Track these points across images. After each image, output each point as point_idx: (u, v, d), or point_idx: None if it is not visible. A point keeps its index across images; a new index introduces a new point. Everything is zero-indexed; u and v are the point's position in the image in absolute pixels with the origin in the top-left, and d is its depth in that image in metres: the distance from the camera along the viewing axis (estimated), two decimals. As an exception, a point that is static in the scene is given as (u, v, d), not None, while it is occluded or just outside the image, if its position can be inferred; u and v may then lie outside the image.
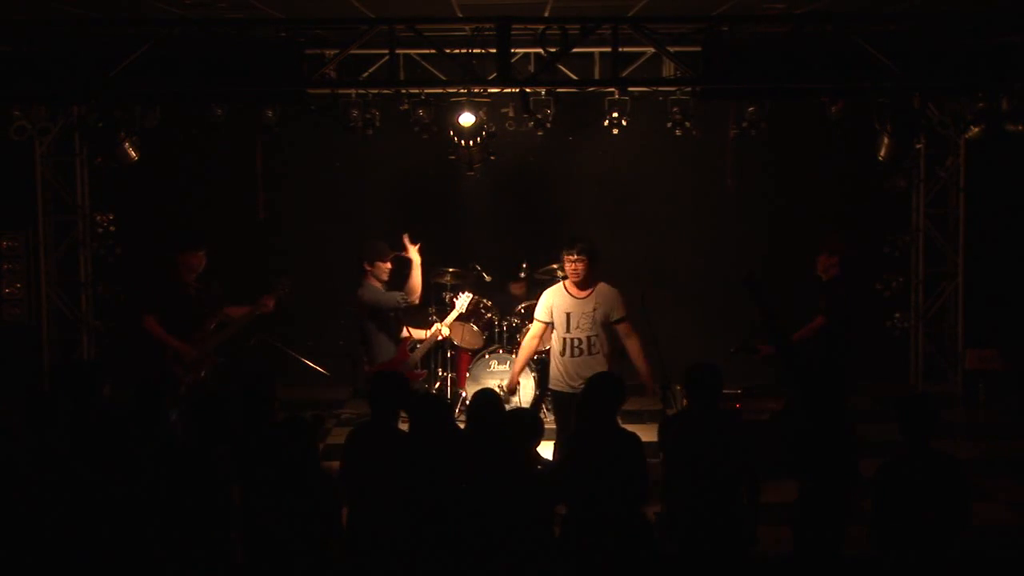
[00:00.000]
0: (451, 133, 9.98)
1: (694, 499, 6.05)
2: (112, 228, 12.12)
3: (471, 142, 10.02)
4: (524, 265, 11.25)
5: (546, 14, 9.50)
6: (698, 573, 6.08)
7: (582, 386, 7.97)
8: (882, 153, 10.20)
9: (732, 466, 6.06)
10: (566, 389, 8.30)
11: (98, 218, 12.12)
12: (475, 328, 10.81)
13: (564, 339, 8.35)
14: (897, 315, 12.32)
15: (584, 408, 6.22)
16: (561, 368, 8.38)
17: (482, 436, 6.12)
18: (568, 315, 8.36)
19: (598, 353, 8.29)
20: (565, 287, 8.49)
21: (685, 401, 6.77)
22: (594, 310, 8.32)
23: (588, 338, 8.29)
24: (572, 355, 8.31)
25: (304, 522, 5.69)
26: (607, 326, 8.33)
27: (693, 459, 6.08)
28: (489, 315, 10.96)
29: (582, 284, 8.40)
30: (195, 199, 12.00)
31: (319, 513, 5.75)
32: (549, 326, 8.51)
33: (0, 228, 11.87)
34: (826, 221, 12.03)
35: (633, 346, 8.32)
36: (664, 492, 6.27)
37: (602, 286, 8.42)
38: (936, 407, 5.78)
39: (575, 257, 8.31)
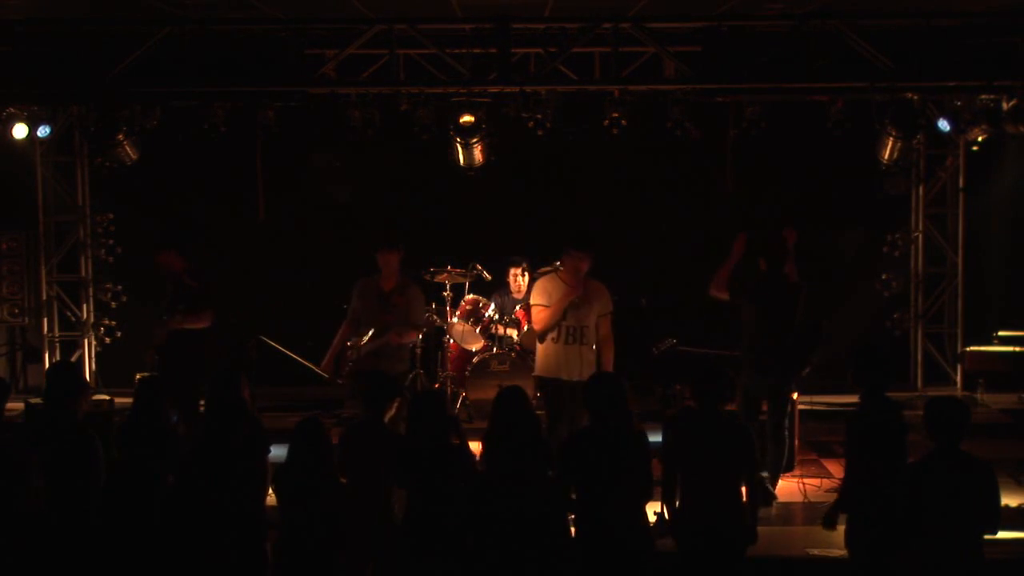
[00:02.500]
0: (451, 133, 9.98)
1: (695, 498, 6.05)
2: (112, 228, 12.14)
3: (471, 142, 10.03)
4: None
5: (546, 14, 9.51)
6: (698, 572, 6.07)
7: (576, 376, 8.16)
8: (882, 153, 10.22)
9: (733, 465, 6.06)
10: (562, 376, 8.33)
11: (98, 218, 12.13)
12: (475, 329, 10.80)
13: (561, 326, 8.37)
14: (897, 315, 12.32)
15: (592, 406, 6.19)
16: (554, 356, 8.41)
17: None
18: (567, 293, 8.40)
19: (589, 344, 8.36)
20: (560, 277, 8.53)
21: (688, 402, 6.76)
22: (588, 302, 8.37)
23: (583, 328, 8.34)
24: (567, 343, 8.35)
25: (320, 521, 5.75)
26: (595, 317, 8.41)
27: (694, 458, 6.08)
28: (488, 315, 10.94)
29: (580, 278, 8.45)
30: (195, 199, 11.99)
31: (331, 512, 5.80)
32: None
33: (0, 229, 11.87)
34: (825, 221, 12.04)
35: (608, 342, 8.44)
36: (665, 492, 6.27)
37: (593, 281, 8.48)
38: (967, 410, 5.76)
39: (585, 256, 8.33)
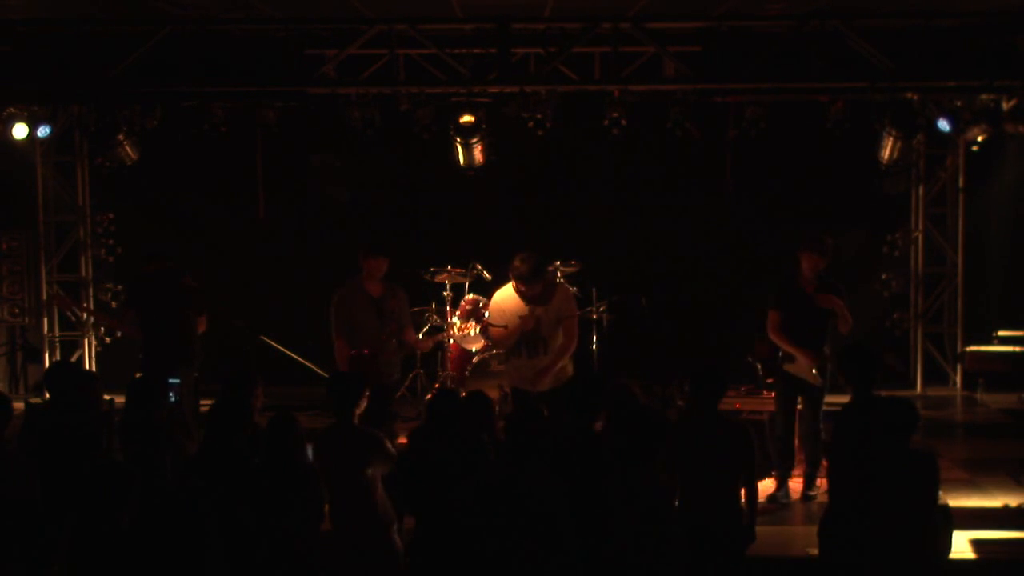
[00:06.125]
0: (451, 133, 9.98)
1: (694, 498, 6.05)
2: (112, 228, 12.15)
3: (471, 142, 10.03)
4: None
5: (546, 14, 9.52)
6: (697, 573, 6.07)
7: (534, 387, 8.12)
8: (882, 153, 10.23)
9: (732, 466, 6.06)
10: (527, 387, 8.27)
11: (98, 218, 12.13)
12: (474, 329, 10.79)
13: (519, 341, 8.28)
14: (896, 315, 12.32)
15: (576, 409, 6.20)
16: (515, 370, 8.39)
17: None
18: (521, 318, 8.26)
19: (551, 353, 8.21)
20: (515, 289, 8.36)
21: (681, 402, 6.77)
22: (545, 311, 8.24)
23: (540, 339, 8.23)
24: (528, 356, 8.27)
25: (294, 515, 5.75)
26: (558, 325, 8.29)
27: (693, 458, 6.08)
28: (488, 315, 10.92)
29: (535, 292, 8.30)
30: (195, 199, 12.00)
31: (307, 507, 5.80)
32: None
33: (1, 229, 11.87)
34: (825, 221, 12.04)
35: (569, 339, 8.26)
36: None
37: (561, 288, 8.41)
38: (915, 411, 5.78)
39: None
